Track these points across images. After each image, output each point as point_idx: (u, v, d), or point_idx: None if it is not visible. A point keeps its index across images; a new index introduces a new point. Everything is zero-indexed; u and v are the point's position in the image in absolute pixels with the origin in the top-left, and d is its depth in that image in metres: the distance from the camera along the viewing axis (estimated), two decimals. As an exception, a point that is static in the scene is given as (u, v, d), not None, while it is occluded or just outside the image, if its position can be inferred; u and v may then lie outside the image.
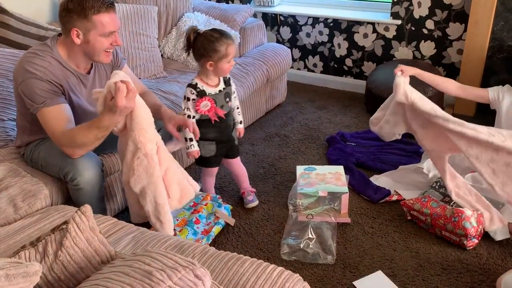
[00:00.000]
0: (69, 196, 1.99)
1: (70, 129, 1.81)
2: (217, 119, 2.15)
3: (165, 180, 1.85)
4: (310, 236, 2.05)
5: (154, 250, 1.09)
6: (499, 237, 2.06)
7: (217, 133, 2.21)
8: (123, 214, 2.33)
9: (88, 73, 2.02)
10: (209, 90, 2.13)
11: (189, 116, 2.13)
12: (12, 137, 2.27)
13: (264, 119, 3.34)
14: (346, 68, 3.72)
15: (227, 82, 2.20)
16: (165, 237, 1.56)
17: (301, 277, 1.37)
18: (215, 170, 2.38)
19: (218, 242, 2.17)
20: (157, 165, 1.80)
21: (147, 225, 1.88)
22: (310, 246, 2.01)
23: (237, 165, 2.41)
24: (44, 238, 1.08)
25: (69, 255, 1.05)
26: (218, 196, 2.38)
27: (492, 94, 2.28)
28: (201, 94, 2.11)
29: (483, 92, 2.31)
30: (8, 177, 1.92)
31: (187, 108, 2.13)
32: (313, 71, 3.89)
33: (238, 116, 2.31)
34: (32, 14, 2.81)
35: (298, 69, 3.95)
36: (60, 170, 1.88)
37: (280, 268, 1.38)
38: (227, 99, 2.19)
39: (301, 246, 2.02)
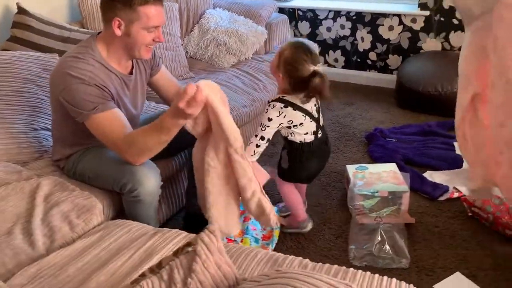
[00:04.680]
0: (121, 209, 1.83)
1: (129, 134, 1.65)
2: None
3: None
4: (380, 239, 1.93)
5: (289, 270, 0.96)
6: None
7: None
8: (168, 224, 2.17)
9: (130, 73, 1.87)
10: None
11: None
12: (46, 148, 2.09)
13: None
14: (369, 62, 3.61)
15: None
16: (252, 250, 1.42)
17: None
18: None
19: (277, 250, 2.03)
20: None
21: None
22: (383, 249, 1.90)
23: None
24: (168, 264, 0.93)
25: (200, 281, 0.90)
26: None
27: None
28: None
29: None
30: (56, 191, 1.74)
31: None
32: (334, 66, 3.78)
33: None
34: (49, 14, 2.62)
35: (318, 65, 3.84)
36: (115, 182, 1.71)
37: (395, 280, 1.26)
38: None
39: (373, 250, 1.90)
